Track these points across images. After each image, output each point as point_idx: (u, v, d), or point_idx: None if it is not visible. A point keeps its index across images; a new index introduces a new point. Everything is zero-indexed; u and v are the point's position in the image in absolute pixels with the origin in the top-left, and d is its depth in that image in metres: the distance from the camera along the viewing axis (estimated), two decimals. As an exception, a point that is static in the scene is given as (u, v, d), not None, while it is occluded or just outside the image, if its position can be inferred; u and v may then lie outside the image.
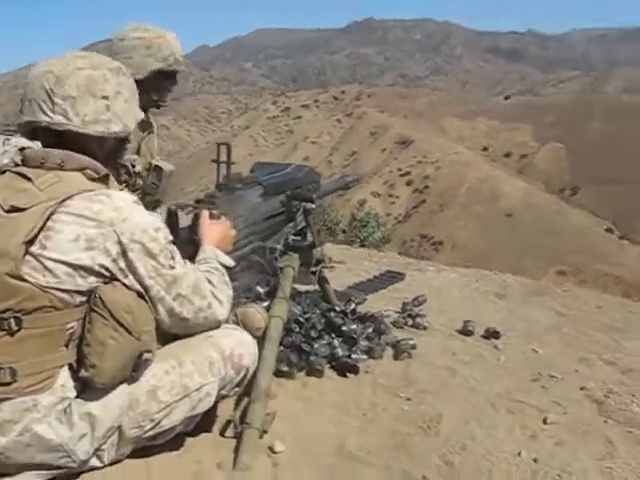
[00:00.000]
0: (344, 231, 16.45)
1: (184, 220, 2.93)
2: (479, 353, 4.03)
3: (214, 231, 2.80)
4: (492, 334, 4.33)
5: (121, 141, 2.38)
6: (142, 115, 2.46)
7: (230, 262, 2.71)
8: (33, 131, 2.27)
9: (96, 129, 2.23)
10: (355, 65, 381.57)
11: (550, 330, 4.67)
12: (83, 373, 2.14)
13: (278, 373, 3.19)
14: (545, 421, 3.09)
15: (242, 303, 3.18)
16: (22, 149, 2.27)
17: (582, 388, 3.57)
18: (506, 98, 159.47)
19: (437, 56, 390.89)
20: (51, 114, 2.19)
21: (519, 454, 2.78)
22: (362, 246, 12.96)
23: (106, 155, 2.32)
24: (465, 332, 4.39)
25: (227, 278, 2.61)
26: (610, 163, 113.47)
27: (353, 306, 4.21)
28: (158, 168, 3.88)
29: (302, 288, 4.25)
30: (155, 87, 3.72)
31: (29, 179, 2.15)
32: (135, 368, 2.23)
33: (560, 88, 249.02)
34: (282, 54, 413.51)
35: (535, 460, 2.73)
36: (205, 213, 2.85)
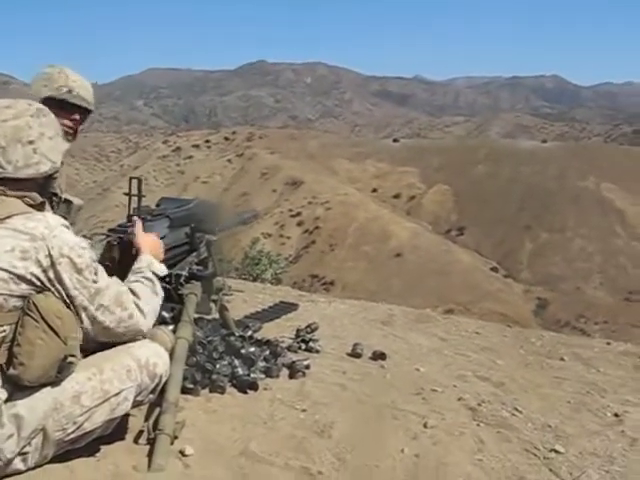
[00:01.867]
0: (237, 269, 16.65)
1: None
2: (367, 372, 4.37)
3: (149, 240, 3.13)
4: (379, 356, 4.69)
5: (50, 175, 2.67)
6: (67, 145, 2.77)
7: (163, 270, 3.03)
8: None
9: (27, 172, 2.54)
10: (247, 107, 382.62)
11: (432, 352, 5.07)
12: (12, 371, 2.39)
13: (184, 390, 3.40)
14: (425, 425, 3.49)
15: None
16: None
17: (459, 399, 3.97)
18: (395, 141, 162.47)
19: (327, 99, 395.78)
20: None
21: (402, 451, 3.16)
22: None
23: (39, 187, 2.62)
24: (354, 354, 4.73)
25: (158, 288, 2.92)
26: (493, 204, 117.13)
27: (250, 332, 4.53)
28: (68, 201, 4.09)
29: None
30: None
31: None
32: (60, 370, 2.48)
33: (446, 132, 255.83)
34: (173, 94, 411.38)
35: (416, 455, 3.13)
36: (139, 222, 3.16)
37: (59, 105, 3.93)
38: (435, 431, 3.43)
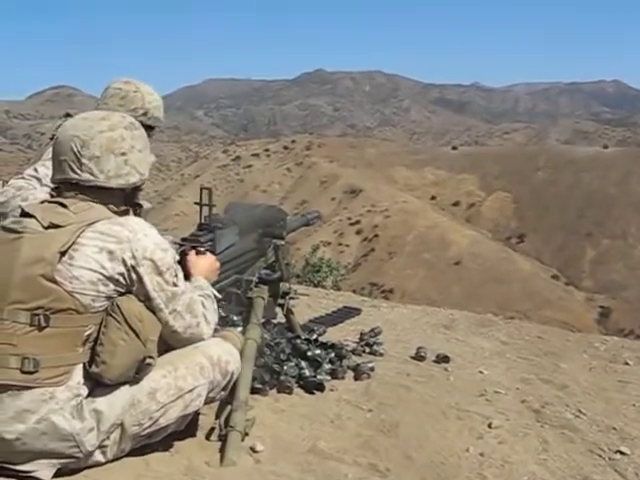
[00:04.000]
0: (298, 276, 16.79)
1: None
2: (431, 374, 4.42)
3: (201, 264, 3.22)
4: (442, 359, 4.73)
5: (138, 186, 2.82)
6: (154, 158, 2.90)
7: (218, 295, 3.14)
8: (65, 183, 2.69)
9: (118, 182, 2.69)
10: (305, 115, 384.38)
11: (494, 356, 5.09)
12: (94, 369, 2.51)
13: (253, 390, 3.48)
14: (490, 426, 3.53)
15: (218, 329, 3.53)
16: (57, 187, 2.71)
17: (523, 401, 4.01)
18: (453, 148, 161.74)
19: (386, 107, 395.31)
20: (79, 172, 2.64)
21: (467, 450, 3.22)
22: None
23: (126, 197, 2.77)
24: (418, 357, 4.78)
25: (216, 306, 3.05)
26: (553, 211, 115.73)
27: (315, 335, 4.61)
28: (138, 205, 4.24)
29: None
30: None
31: (65, 206, 2.59)
32: (138, 370, 2.60)
33: (505, 139, 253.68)
34: (233, 103, 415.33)
35: (481, 454, 3.18)
36: (192, 251, 3.27)
37: None
38: (499, 431, 3.48)
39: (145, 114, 4.00)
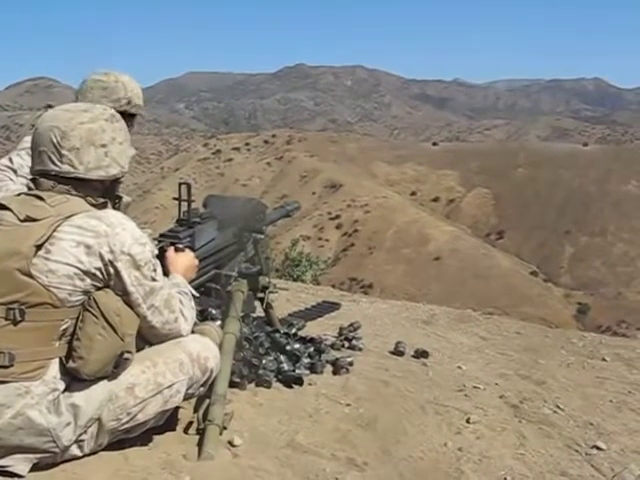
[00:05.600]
0: (277, 270, 16.75)
1: None
2: (410, 369, 4.43)
3: (180, 262, 3.21)
4: (421, 354, 4.74)
5: (117, 179, 2.79)
6: (134, 151, 2.87)
7: (195, 293, 3.11)
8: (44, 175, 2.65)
9: (98, 174, 2.65)
10: (286, 110, 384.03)
11: (473, 351, 5.11)
12: (71, 364, 2.48)
13: (231, 383, 3.46)
14: (468, 421, 3.55)
15: (197, 323, 3.51)
16: (34, 179, 2.66)
17: (501, 396, 4.03)
18: (434, 144, 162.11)
19: (367, 102, 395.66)
20: (59, 164, 2.60)
21: (445, 445, 3.23)
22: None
23: (105, 189, 2.74)
24: (397, 352, 4.79)
25: (193, 303, 3.02)
26: (533, 208, 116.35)
27: (294, 330, 4.60)
28: (118, 197, 4.21)
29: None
30: None
31: (42, 199, 2.55)
32: (116, 365, 2.57)
33: (486, 135, 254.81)
34: (214, 97, 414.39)
35: (460, 449, 3.20)
36: (171, 248, 3.26)
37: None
38: (477, 426, 3.50)
39: (129, 102, 3.97)
